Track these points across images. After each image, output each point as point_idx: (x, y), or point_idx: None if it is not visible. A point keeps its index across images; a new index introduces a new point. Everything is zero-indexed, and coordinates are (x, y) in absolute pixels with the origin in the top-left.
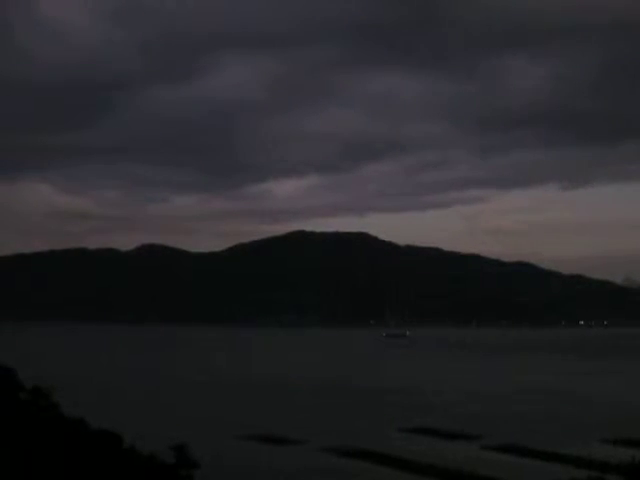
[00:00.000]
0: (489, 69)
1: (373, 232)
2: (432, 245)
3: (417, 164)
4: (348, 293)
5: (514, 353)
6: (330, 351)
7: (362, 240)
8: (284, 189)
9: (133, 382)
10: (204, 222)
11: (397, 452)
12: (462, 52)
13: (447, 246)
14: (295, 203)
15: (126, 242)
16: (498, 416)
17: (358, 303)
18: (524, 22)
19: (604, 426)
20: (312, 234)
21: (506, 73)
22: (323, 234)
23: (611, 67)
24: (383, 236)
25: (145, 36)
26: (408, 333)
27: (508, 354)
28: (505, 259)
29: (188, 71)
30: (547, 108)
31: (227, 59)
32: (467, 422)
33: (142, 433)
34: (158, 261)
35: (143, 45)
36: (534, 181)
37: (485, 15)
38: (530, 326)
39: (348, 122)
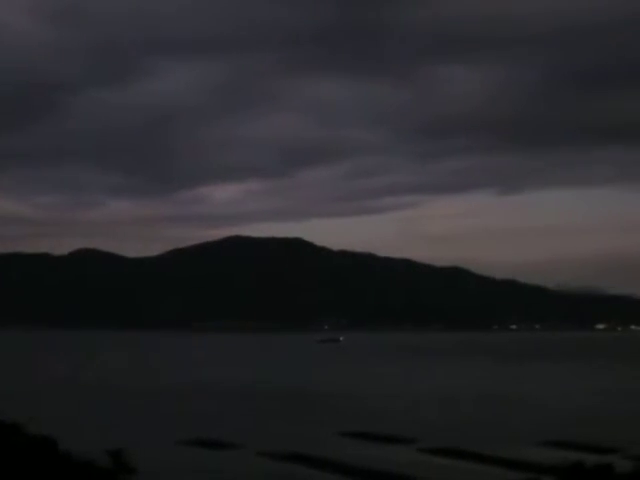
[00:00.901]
0: (427, 76)
1: (309, 237)
2: (367, 250)
3: (354, 170)
4: (282, 298)
5: (448, 356)
6: (265, 356)
7: (297, 245)
8: (222, 194)
9: (67, 387)
10: (140, 227)
11: (334, 456)
12: (401, 59)
13: (382, 251)
14: (233, 208)
15: (61, 247)
16: (435, 419)
17: (292, 308)
18: (462, 30)
19: (538, 428)
20: (248, 239)
21: (444, 80)
22: (259, 239)
23: (547, 75)
24: (318, 241)
25: (84, 39)
26: (342, 338)
27: (442, 358)
28: (439, 264)
29: (127, 75)
30: (483, 115)
31: (166, 63)
32: (404, 425)
33: (78, 438)
34: (92, 266)
35: (81, 48)
36: (469, 187)
37: (424, 23)
38: (462, 330)
39: (287, 127)
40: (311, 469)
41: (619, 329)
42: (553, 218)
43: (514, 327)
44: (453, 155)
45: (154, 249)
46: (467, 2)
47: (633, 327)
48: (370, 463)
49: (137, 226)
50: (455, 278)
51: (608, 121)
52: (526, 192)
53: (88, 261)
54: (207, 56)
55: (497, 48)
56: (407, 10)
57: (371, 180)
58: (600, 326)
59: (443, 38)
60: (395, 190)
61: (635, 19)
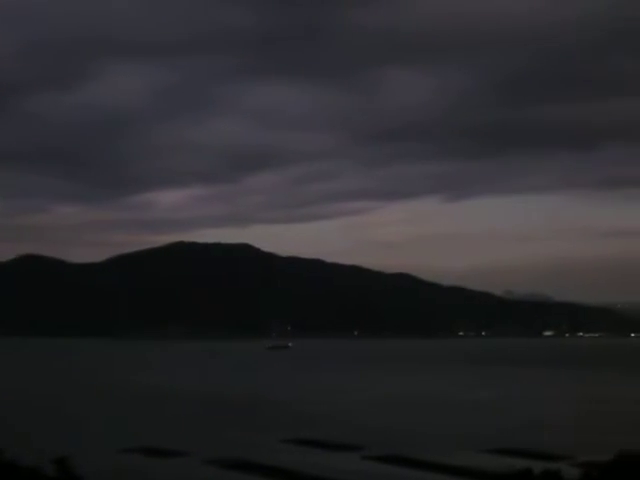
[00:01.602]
0: (376, 81)
1: (256, 243)
2: (315, 256)
3: (302, 175)
4: (229, 305)
5: (396, 363)
6: (213, 363)
7: (244, 251)
8: (168, 199)
9: (6, 396)
10: (85, 232)
11: (280, 463)
12: (349, 64)
13: (330, 257)
14: (179, 214)
15: (4, 252)
16: (382, 426)
17: (240, 315)
18: (413, 35)
19: (486, 435)
20: (194, 245)
21: (393, 85)
22: (205, 245)
23: (492, 81)
24: (266, 247)
25: (28, 40)
26: (291, 344)
27: (390, 365)
28: (387, 270)
29: (72, 78)
30: (432, 121)
31: (112, 66)
32: (350, 432)
33: (23, 447)
34: (35, 272)
35: (27, 50)
36: (417, 193)
37: (373, 28)
38: (410, 337)
39: (233, 132)
40: (256, 476)
41: (567, 336)
42: (500, 224)
43: (462, 333)
44: (401, 161)
45: (99, 255)
46: (417, 6)
47: (581, 334)
48: (315, 470)
49: (82, 232)
50: (403, 285)
51: (554, 127)
52: (473, 198)
53: (31, 267)
54: (155, 60)
55: (446, 53)
56: (355, 13)
57: (319, 186)
58: (548, 333)
59: (392, 42)
60: (343, 196)
61: (574, 24)
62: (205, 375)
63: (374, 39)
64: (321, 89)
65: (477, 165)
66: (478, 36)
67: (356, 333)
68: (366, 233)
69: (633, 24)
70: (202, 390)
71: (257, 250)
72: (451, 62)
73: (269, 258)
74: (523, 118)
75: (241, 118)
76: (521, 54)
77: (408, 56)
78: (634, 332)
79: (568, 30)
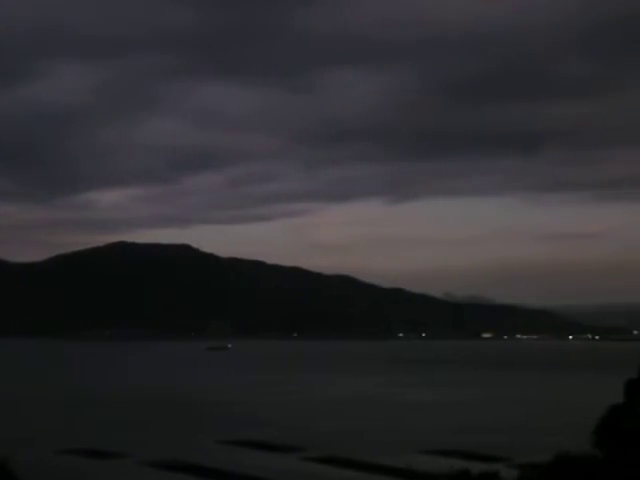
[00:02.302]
0: (318, 82)
1: (196, 244)
2: (256, 258)
3: (243, 176)
4: (169, 306)
5: (335, 365)
6: (152, 364)
7: (184, 252)
8: (108, 199)
9: None
10: (24, 231)
11: (217, 464)
12: (292, 63)
13: (271, 259)
14: (119, 214)
15: None
16: (320, 427)
17: (179, 316)
18: (358, 37)
19: (425, 437)
20: (134, 245)
21: (336, 87)
22: (145, 245)
23: (439, 83)
24: (206, 248)
25: None
26: (230, 346)
27: (329, 366)
28: (328, 272)
29: (13, 75)
30: (376, 123)
31: (53, 64)
32: (289, 433)
33: None
34: None
35: None
36: (359, 195)
37: (318, 29)
38: (351, 338)
39: (175, 133)
40: (191, 477)
41: (505, 338)
42: (441, 227)
43: (401, 335)
44: (344, 163)
45: (39, 255)
46: (363, 7)
47: (519, 336)
48: (252, 471)
49: (22, 231)
50: (343, 286)
51: (497, 131)
52: (415, 201)
53: None
54: (96, 59)
55: (390, 55)
56: (300, 13)
57: (261, 187)
58: (487, 335)
59: (336, 43)
60: (285, 197)
61: (518, 30)
62: (144, 376)
63: (318, 40)
64: (264, 90)
65: (420, 167)
66: (424, 39)
67: (296, 335)
68: (307, 235)
69: (577, 30)
70: (141, 391)
71: (197, 251)
72: (395, 64)
73: (209, 259)
74: (466, 121)
75: (182, 118)
76: (466, 58)
77: (351, 58)
78: (572, 334)
79: (513, 35)
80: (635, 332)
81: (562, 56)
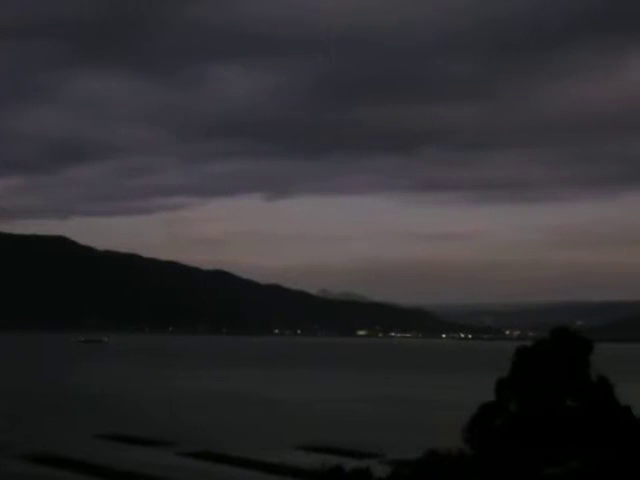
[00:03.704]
0: (200, 76)
1: (73, 236)
2: (132, 251)
3: (123, 169)
4: (45, 298)
5: (211, 360)
6: (24, 356)
7: (60, 244)
8: None
9: None
10: None
11: (92, 458)
12: (174, 57)
13: (148, 253)
14: None
15: None
16: (196, 422)
17: (55, 308)
18: (239, 32)
19: (298, 432)
20: (9, 236)
21: (217, 82)
22: (20, 237)
23: (320, 82)
24: (84, 241)
25: None
26: (106, 339)
27: (205, 361)
28: (204, 267)
29: None
30: (256, 119)
31: None
32: (166, 429)
33: None
34: None
35: None
36: (238, 190)
37: (200, 21)
38: (226, 334)
39: (55, 123)
40: (65, 472)
41: (380, 335)
42: (319, 224)
43: (277, 331)
44: (224, 158)
45: None
46: (249, 4)
47: (393, 334)
48: (127, 466)
49: None
50: (220, 281)
51: (374, 131)
52: (293, 198)
53: None
54: None
55: (273, 51)
56: (181, 6)
57: (140, 180)
58: (361, 332)
59: (220, 39)
60: (164, 191)
61: (397, 30)
62: (17, 369)
63: (202, 35)
64: (147, 83)
65: (298, 165)
66: (303, 38)
67: (171, 329)
68: (185, 229)
69: (454, 33)
70: (14, 384)
71: (74, 243)
72: (278, 62)
73: (86, 251)
74: (345, 120)
75: (63, 109)
76: (344, 57)
77: (235, 54)
78: (445, 333)
79: (391, 35)
80: (507, 332)
81: (438, 58)
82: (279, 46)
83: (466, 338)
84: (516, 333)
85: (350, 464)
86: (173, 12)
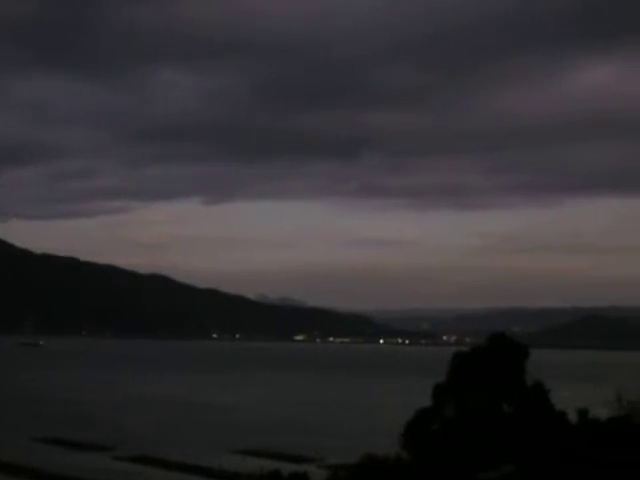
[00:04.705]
0: (143, 80)
1: (10, 239)
2: (70, 254)
3: (62, 172)
4: None
5: (149, 365)
6: None
7: None
8: None
9: None
10: None
11: (26, 462)
12: (116, 59)
13: (86, 256)
14: None
15: None
16: (134, 426)
17: None
18: (183, 36)
19: (235, 437)
20: None
21: (159, 85)
22: None
23: (262, 86)
24: (22, 244)
25: None
26: (42, 343)
27: (144, 366)
28: (142, 271)
29: None
30: (196, 122)
31: None
32: (103, 433)
33: None
34: None
35: None
36: (177, 194)
37: (145, 25)
38: (164, 338)
39: None
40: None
41: (318, 341)
42: (257, 229)
43: (215, 336)
44: (165, 161)
45: None
46: (189, 6)
47: (331, 339)
48: (61, 470)
49: None
50: (158, 285)
51: (317, 136)
52: (232, 202)
53: None
54: None
55: (215, 55)
56: (126, 8)
57: (79, 183)
58: (299, 337)
59: (162, 42)
60: (103, 194)
61: (338, 37)
62: None
63: (144, 37)
64: (87, 85)
65: (239, 169)
66: (249, 42)
67: (109, 333)
68: (124, 233)
69: (393, 41)
70: None
71: (11, 246)
72: (219, 66)
73: (23, 255)
74: (287, 124)
75: (1, 110)
76: (288, 62)
77: (176, 57)
78: (383, 338)
79: (329, 43)
80: (444, 337)
81: (376, 67)
82: (220, 49)
83: (403, 343)
84: (453, 338)
85: (288, 468)
86: (114, 13)
